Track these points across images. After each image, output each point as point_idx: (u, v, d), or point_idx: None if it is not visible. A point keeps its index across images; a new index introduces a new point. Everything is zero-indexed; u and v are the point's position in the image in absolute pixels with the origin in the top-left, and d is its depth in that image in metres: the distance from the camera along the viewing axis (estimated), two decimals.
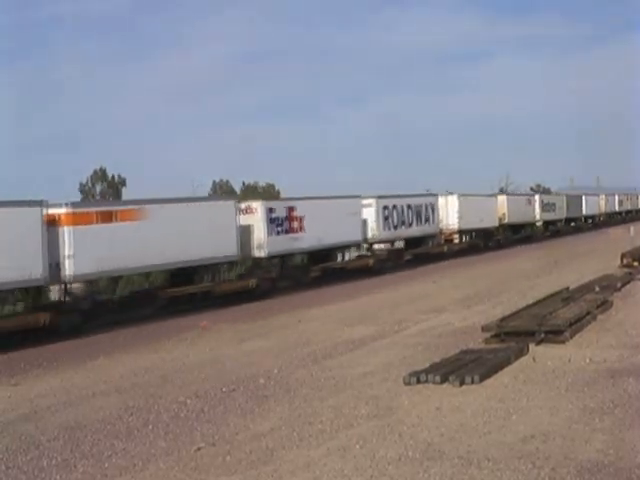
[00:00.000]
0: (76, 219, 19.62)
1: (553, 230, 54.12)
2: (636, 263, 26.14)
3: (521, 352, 12.92)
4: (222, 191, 58.03)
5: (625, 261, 26.66)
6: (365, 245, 33.84)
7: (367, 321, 18.50)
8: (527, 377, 11.40)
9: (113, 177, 55.54)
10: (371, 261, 32.50)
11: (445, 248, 39.07)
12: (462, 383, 10.96)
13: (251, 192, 58.35)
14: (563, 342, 13.76)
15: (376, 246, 34.44)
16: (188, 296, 23.58)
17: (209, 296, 24.13)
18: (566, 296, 18.31)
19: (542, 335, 13.91)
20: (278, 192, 57.75)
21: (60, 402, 12.04)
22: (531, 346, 13.34)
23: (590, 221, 62.44)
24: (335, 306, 22.33)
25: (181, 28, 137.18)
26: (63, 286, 20.25)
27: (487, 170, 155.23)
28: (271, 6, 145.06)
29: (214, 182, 61.66)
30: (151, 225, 21.33)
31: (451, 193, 40.97)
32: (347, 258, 33.07)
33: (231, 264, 26.45)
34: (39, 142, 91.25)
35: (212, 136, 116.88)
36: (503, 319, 15.00)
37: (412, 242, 36.73)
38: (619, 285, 20.96)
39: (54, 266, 18.80)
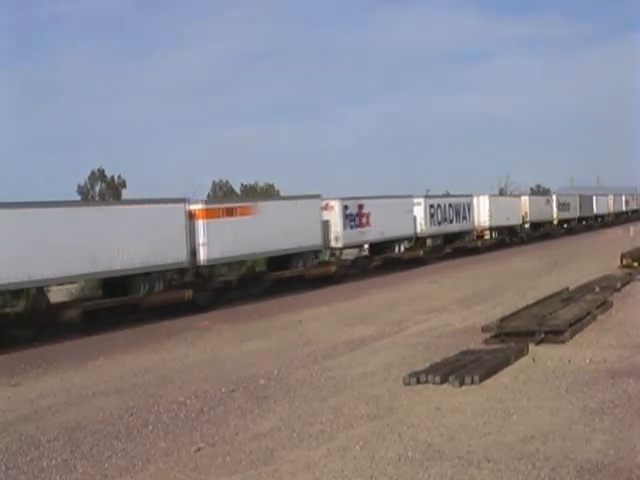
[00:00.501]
0: (208, 213, 23.77)
1: (568, 228, 57.21)
2: (636, 264, 26.16)
3: (521, 352, 12.92)
4: (222, 192, 58.05)
5: (625, 261, 26.68)
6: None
7: (367, 321, 18.50)
8: (527, 377, 11.40)
9: (113, 178, 55.53)
10: (421, 252, 36.98)
11: (479, 243, 43.46)
12: (462, 383, 10.96)
13: (251, 192, 58.40)
14: (563, 342, 13.76)
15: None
16: (285, 279, 27.62)
17: (302, 279, 28.23)
18: (566, 296, 18.31)
19: (542, 335, 13.91)
20: (278, 192, 57.78)
21: (60, 402, 12.04)
22: (531, 346, 13.33)
23: (600, 220, 65.56)
24: (335, 306, 22.33)
25: (181, 28, 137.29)
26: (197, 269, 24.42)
27: (487, 170, 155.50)
28: (271, 6, 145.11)
29: (214, 182, 61.74)
30: (261, 219, 25.64)
31: (483, 194, 45.05)
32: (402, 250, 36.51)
33: (315, 253, 30.24)
34: (38, 142, 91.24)
35: (212, 136, 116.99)
36: (503, 319, 15.00)
37: (451, 237, 40.97)
38: (619, 285, 20.97)
39: (192, 252, 22.99)
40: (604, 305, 17.53)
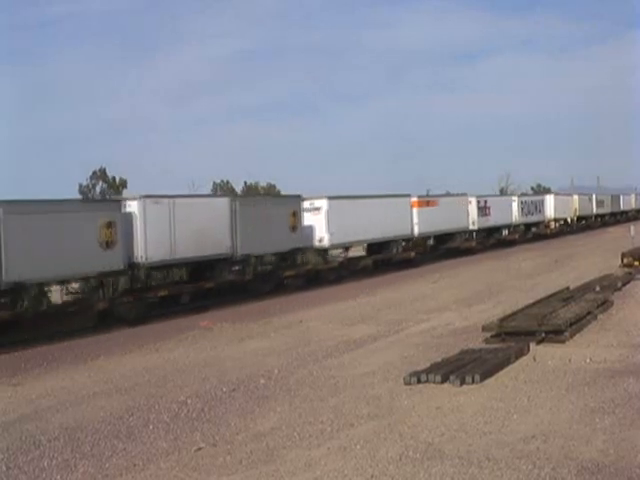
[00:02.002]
0: (419, 204, 37.01)
1: (602, 221, 67.19)
2: (636, 263, 26.13)
3: (521, 352, 12.92)
4: (223, 192, 58.06)
5: (625, 261, 26.66)
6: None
7: (368, 321, 18.50)
8: (528, 377, 11.40)
9: (114, 178, 55.58)
10: (517, 235, 49.19)
11: (548, 231, 55.18)
12: (463, 383, 10.96)
13: (251, 192, 58.43)
14: (563, 342, 13.76)
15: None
16: (452, 249, 40.50)
17: (458, 250, 40.59)
18: (566, 296, 18.31)
19: (542, 335, 13.92)
20: (278, 192, 57.86)
21: (61, 402, 12.04)
22: (532, 346, 13.34)
23: (625, 215, 76.24)
24: (336, 306, 22.33)
25: (181, 28, 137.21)
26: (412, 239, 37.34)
27: (487, 170, 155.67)
28: (271, 5, 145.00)
29: (214, 183, 61.79)
30: (439, 209, 38.86)
31: (549, 193, 59.63)
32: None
33: (462, 233, 42.56)
34: (39, 142, 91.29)
35: (212, 136, 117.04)
36: (504, 319, 14.99)
37: (530, 226, 52.53)
38: (619, 285, 20.96)
39: (410, 228, 36.08)
40: (604, 304, 17.52)
